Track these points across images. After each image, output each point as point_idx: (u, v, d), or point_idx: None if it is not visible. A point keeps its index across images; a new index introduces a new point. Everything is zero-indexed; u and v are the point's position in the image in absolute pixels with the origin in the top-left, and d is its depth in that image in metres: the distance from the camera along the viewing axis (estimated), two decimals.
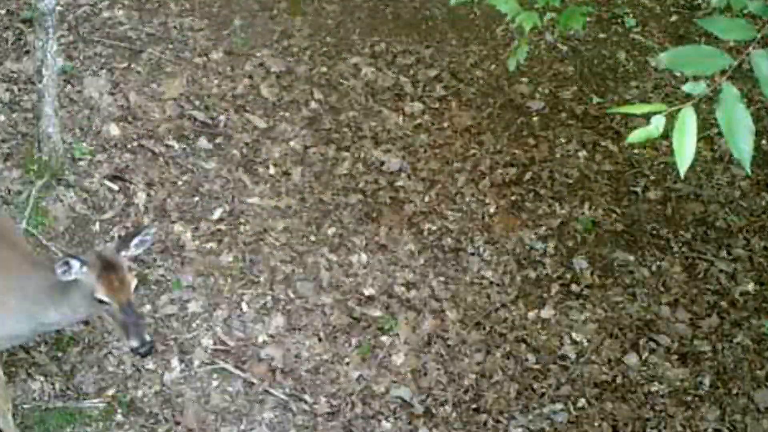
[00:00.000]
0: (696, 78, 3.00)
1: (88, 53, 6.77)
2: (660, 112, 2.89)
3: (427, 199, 6.31)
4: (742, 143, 2.88)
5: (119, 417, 5.26)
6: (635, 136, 2.92)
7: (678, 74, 6.94)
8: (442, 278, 5.97)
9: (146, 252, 5.83)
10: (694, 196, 6.50)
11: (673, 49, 3.07)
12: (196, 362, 5.49)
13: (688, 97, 2.99)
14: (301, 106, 6.70)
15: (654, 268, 6.13)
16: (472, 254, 6.09)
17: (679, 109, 2.86)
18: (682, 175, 2.86)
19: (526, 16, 4.47)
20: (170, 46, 6.93)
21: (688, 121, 2.86)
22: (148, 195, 6.10)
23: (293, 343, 5.62)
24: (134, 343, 4.43)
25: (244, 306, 5.73)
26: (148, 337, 4.48)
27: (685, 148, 2.83)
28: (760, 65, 3.02)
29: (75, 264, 4.34)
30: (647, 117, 2.96)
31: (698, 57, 3.02)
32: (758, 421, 5.53)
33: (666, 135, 2.99)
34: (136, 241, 4.50)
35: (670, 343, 5.80)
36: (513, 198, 6.38)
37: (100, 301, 4.38)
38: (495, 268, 6.03)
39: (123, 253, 4.48)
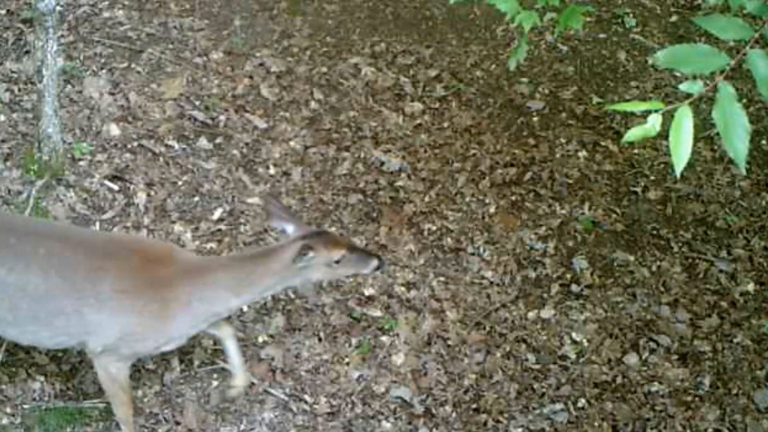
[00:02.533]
0: (694, 77, 3.00)
1: (88, 53, 6.78)
2: (658, 111, 2.89)
3: (427, 199, 6.31)
4: (738, 143, 2.88)
5: None
6: (632, 134, 2.92)
7: (678, 74, 6.94)
8: (442, 278, 5.97)
9: None
10: (694, 196, 6.50)
11: (670, 48, 3.06)
12: (196, 362, 5.49)
13: (687, 96, 2.99)
14: (301, 106, 6.70)
15: (654, 268, 6.13)
16: (472, 254, 6.09)
17: (676, 108, 2.86)
18: (678, 174, 2.86)
19: (526, 15, 4.47)
20: (170, 46, 6.93)
21: (684, 120, 2.86)
22: (148, 195, 6.10)
23: (293, 343, 5.62)
24: (375, 263, 4.98)
25: (243, 306, 5.73)
26: (378, 254, 5.31)
27: (682, 147, 2.83)
28: (757, 65, 3.02)
29: (310, 252, 4.75)
30: (646, 116, 2.97)
31: (695, 56, 3.02)
32: (758, 421, 5.53)
33: (666, 134, 2.99)
34: (281, 209, 5.02)
35: (670, 343, 5.80)
36: (513, 198, 6.38)
37: (338, 261, 4.85)
38: (495, 268, 6.03)
39: (294, 220, 5.01)
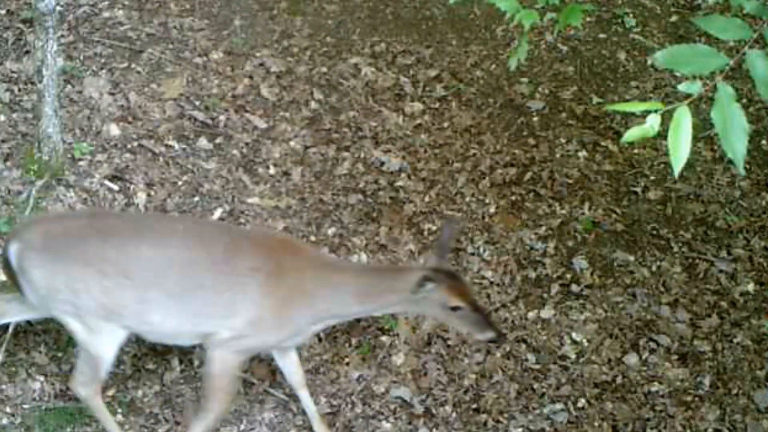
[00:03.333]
0: (693, 77, 3.00)
1: (88, 53, 6.78)
2: (657, 111, 2.88)
3: (427, 199, 6.31)
4: (736, 143, 2.88)
5: (119, 417, 5.25)
6: (631, 134, 2.92)
7: (678, 74, 6.94)
8: None
9: None
10: (694, 196, 6.50)
11: (669, 48, 3.06)
12: (196, 362, 5.48)
13: (687, 97, 2.99)
14: (301, 106, 6.70)
15: (654, 268, 6.13)
16: (472, 254, 6.09)
17: (675, 108, 2.86)
18: (676, 174, 2.86)
19: (526, 14, 4.46)
20: (170, 46, 6.93)
21: (683, 120, 2.86)
22: (148, 195, 6.10)
23: None
24: (491, 335, 4.87)
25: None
26: (501, 329, 5.09)
27: (680, 147, 2.83)
28: (756, 65, 3.02)
29: (429, 284, 4.71)
30: (646, 116, 2.97)
31: (694, 56, 3.02)
32: (758, 421, 5.53)
33: (665, 135, 2.99)
34: (446, 241, 4.92)
35: (670, 343, 5.79)
36: (513, 198, 6.38)
37: (453, 308, 4.78)
38: (495, 268, 6.03)
39: (445, 257, 4.91)
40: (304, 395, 5.26)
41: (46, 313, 4.92)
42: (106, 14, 7.04)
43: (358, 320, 5.72)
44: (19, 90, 6.47)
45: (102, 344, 4.84)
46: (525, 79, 7.06)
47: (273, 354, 5.22)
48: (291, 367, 5.21)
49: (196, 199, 6.15)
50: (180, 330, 4.87)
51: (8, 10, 6.92)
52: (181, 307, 4.77)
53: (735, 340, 5.84)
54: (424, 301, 4.79)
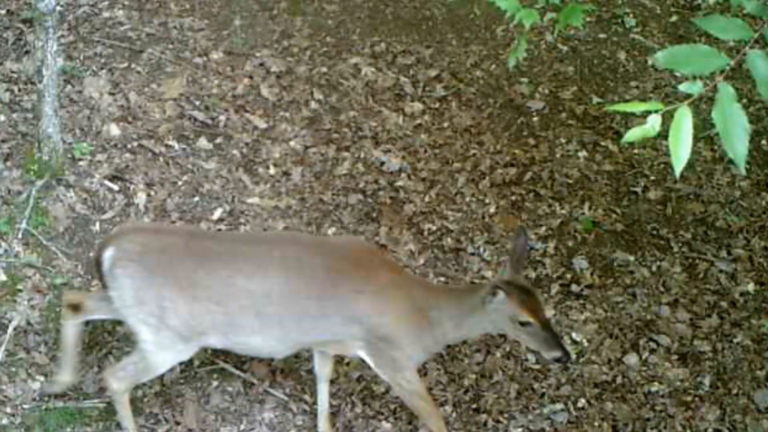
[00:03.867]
0: (694, 78, 3.00)
1: (88, 53, 6.78)
2: (657, 111, 2.88)
3: (427, 199, 6.31)
4: (737, 143, 2.87)
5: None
6: (632, 134, 2.91)
7: (678, 74, 6.93)
8: (442, 278, 5.97)
9: None
10: (694, 196, 6.50)
11: (669, 48, 3.06)
12: (196, 362, 5.48)
13: (687, 97, 2.99)
14: (301, 106, 6.70)
15: (654, 268, 6.12)
16: (472, 254, 6.09)
17: (675, 109, 2.86)
18: (677, 174, 2.85)
19: (527, 13, 4.46)
20: (170, 46, 6.93)
21: (684, 120, 2.86)
22: (148, 195, 6.10)
23: None
24: (557, 354, 4.82)
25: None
26: (567, 348, 5.06)
27: (681, 147, 2.83)
28: (756, 65, 3.02)
29: (500, 294, 4.71)
30: (646, 116, 2.96)
31: (695, 56, 3.02)
32: (758, 421, 5.53)
33: (666, 135, 2.98)
34: (520, 253, 4.86)
35: (670, 343, 5.79)
36: (513, 198, 6.38)
37: (523, 324, 4.76)
38: (495, 268, 6.02)
39: (520, 270, 4.87)
40: (324, 389, 5.26)
41: (120, 317, 4.96)
42: (106, 14, 7.04)
43: None
44: (19, 90, 6.46)
45: (165, 360, 4.93)
46: (525, 79, 7.06)
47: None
48: (323, 359, 5.22)
49: (196, 199, 6.15)
50: (277, 350, 4.96)
51: (8, 10, 6.92)
52: (282, 333, 4.85)
53: (735, 340, 5.84)
54: (496, 313, 4.78)
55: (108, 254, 4.82)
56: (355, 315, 4.83)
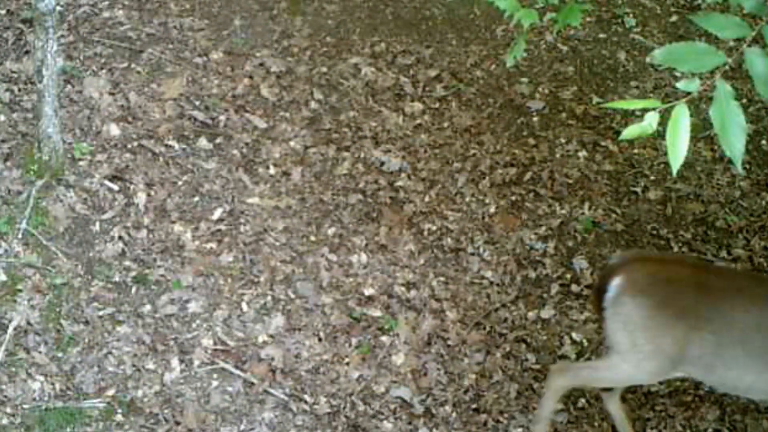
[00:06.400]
0: (692, 75, 3.00)
1: (88, 53, 6.78)
2: (655, 109, 2.88)
3: (427, 199, 6.31)
4: (734, 141, 2.87)
5: (119, 417, 5.26)
6: (629, 132, 2.92)
7: (678, 74, 6.94)
8: (442, 278, 5.97)
9: (146, 252, 5.86)
10: (694, 196, 6.50)
11: (667, 46, 3.06)
12: (196, 362, 5.49)
13: (686, 95, 2.99)
14: (301, 106, 6.70)
15: None
16: (472, 254, 6.09)
17: (673, 107, 2.86)
18: (674, 173, 2.85)
19: (526, 13, 4.46)
20: (170, 46, 6.93)
21: (681, 118, 2.86)
22: (148, 195, 6.10)
23: (293, 343, 5.62)
24: None
25: (244, 306, 5.73)
26: None
27: (678, 145, 2.82)
28: (754, 63, 3.01)
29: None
30: (644, 114, 2.96)
31: (692, 54, 3.01)
32: (758, 421, 5.53)
33: (665, 135, 2.98)
34: None
35: None
36: (513, 198, 6.38)
37: None
38: (495, 268, 6.03)
39: None
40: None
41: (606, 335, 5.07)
42: (106, 14, 7.04)
43: (357, 320, 5.73)
44: (19, 90, 6.47)
45: (631, 376, 5.05)
46: (525, 79, 7.06)
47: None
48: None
49: (196, 199, 6.15)
50: (756, 387, 4.96)
51: (8, 10, 6.92)
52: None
53: None
54: None
55: (615, 282, 4.91)
56: None
